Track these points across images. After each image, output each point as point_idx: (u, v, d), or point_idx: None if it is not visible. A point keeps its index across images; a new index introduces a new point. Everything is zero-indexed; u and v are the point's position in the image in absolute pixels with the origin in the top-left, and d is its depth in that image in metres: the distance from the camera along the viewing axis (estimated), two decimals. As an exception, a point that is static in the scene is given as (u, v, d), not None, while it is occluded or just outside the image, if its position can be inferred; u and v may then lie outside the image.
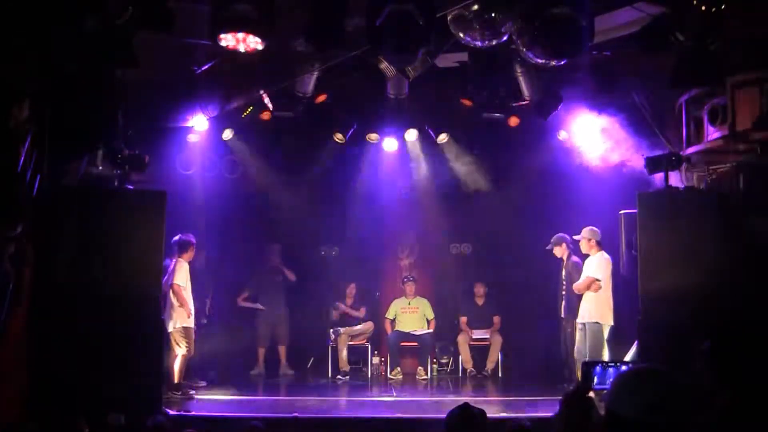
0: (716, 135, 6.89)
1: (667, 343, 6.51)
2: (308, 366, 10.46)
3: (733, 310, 6.40)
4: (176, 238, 8.09)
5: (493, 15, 5.89)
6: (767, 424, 2.70)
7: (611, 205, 8.27)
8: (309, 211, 10.24)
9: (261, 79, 8.10)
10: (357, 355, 10.43)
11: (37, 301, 6.21)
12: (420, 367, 10.28)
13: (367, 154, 10.30)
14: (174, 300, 7.96)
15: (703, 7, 5.63)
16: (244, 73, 7.66)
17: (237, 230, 10.05)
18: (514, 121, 9.24)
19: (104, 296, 6.52)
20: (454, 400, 7.93)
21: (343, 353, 10.08)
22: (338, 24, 5.70)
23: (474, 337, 10.44)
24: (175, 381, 7.95)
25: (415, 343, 10.38)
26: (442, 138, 9.95)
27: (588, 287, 8.18)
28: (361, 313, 10.49)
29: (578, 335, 8.26)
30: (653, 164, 7.57)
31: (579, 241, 8.51)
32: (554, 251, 8.92)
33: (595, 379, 2.61)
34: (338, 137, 9.80)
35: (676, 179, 7.61)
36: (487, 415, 3.82)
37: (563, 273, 8.85)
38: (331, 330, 10.20)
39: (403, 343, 10.39)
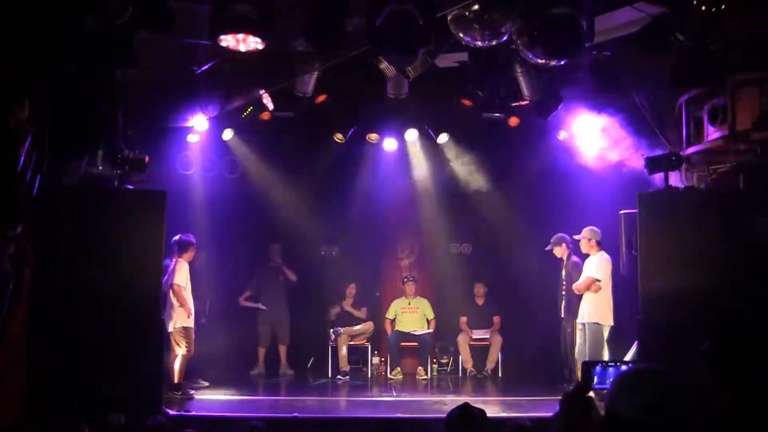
0: (716, 135, 6.88)
1: (667, 343, 6.51)
2: (308, 366, 10.47)
3: (733, 310, 6.40)
4: (176, 238, 8.10)
5: (493, 15, 5.89)
6: (767, 424, 2.70)
7: (611, 205, 8.27)
8: (309, 211, 10.24)
9: (261, 79, 8.09)
10: (357, 355, 10.44)
11: (37, 301, 6.21)
12: (420, 367, 10.28)
13: (367, 154, 10.30)
14: (174, 300, 7.96)
15: (703, 7, 5.63)
16: (244, 73, 7.66)
17: (237, 230, 10.05)
18: (514, 121, 9.24)
19: (104, 296, 6.52)
20: (454, 400, 7.94)
21: (343, 353, 10.08)
22: (338, 24, 5.69)
23: (474, 337, 10.44)
24: (175, 381, 7.95)
25: (415, 343, 10.38)
26: (442, 138, 9.96)
27: (588, 288, 8.18)
28: (363, 313, 10.49)
29: (578, 335, 8.26)
30: (653, 164, 7.57)
31: (579, 241, 8.52)
32: (554, 251, 8.92)
33: (595, 379, 2.61)
34: (338, 137, 9.80)
35: (676, 179, 7.61)
36: (487, 415, 3.82)
37: (563, 273, 8.85)
38: (331, 330, 10.20)
39: (403, 343, 10.39)
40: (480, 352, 10.43)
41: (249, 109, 8.73)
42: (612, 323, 8.08)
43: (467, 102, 8.70)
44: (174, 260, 8.05)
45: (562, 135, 9.13)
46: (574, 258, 8.71)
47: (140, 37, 5.55)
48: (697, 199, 7.29)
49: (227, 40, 5.66)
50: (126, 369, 6.44)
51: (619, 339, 7.96)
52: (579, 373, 5.12)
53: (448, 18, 6.01)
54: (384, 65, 7.51)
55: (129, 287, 6.65)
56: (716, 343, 2.99)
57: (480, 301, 10.65)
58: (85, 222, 6.66)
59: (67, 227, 6.59)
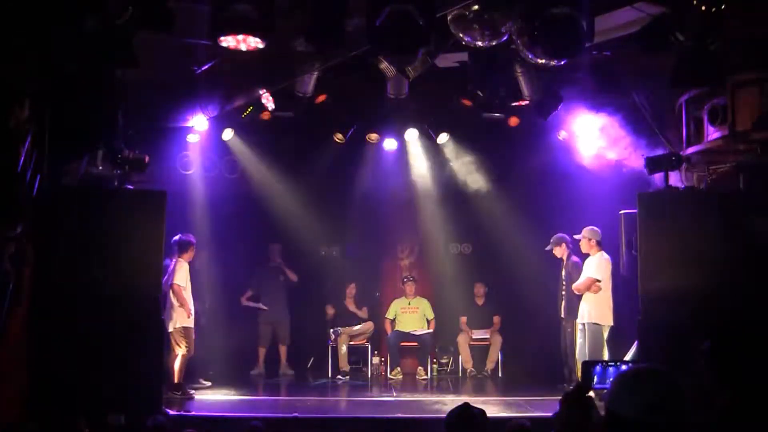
0: (716, 135, 6.88)
1: (667, 343, 6.51)
2: (308, 366, 10.47)
3: (733, 310, 6.41)
4: (176, 238, 8.10)
5: (493, 15, 5.89)
6: (767, 424, 2.70)
7: (611, 205, 8.28)
8: (309, 211, 10.23)
9: (261, 79, 8.10)
10: (357, 355, 10.44)
11: (37, 301, 6.21)
12: (420, 367, 10.28)
13: (367, 154, 10.30)
14: (174, 300, 7.96)
15: (703, 7, 5.63)
16: (244, 73, 7.66)
17: (237, 230, 10.04)
18: (514, 121, 9.25)
19: (104, 296, 6.53)
20: (454, 400, 7.94)
21: (343, 353, 10.08)
22: (338, 24, 5.69)
23: (474, 337, 10.44)
24: (175, 381, 7.95)
25: (415, 343, 10.38)
26: (442, 138, 9.96)
27: (588, 288, 8.18)
28: (364, 312, 10.50)
29: (578, 335, 8.26)
30: (653, 164, 7.57)
31: (579, 240, 8.51)
32: (554, 251, 8.92)
33: (595, 379, 2.61)
34: (338, 137, 9.81)
35: (676, 179, 7.61)
36: (487, 415, 3.82)
37: (563, 273, 8.85)
38: (331, 330, 10.20)
39: (403, 343, 10.39)
40: (480, 352, 10.43)
41: (249, 109, 8.73)
42: (612, 323, 8.08)
43: (467, 102, 8.70)
44: (174, 260, 8.05)
45: (562, 135, 9.14)
46: (574, 258, 8.71)
47: (140, 37, 5.55)
48: (697, 199, 7.29)
49: (227, 41, 5.66)
50: (126, 369, 6.44)
51: (619, 339, 7.96)
52: (579, 373, 5.12)
53: (448, 18, 6.01)
54: (384, 65, 7.51)
55: (129, 287, 6.65)
56: (716, 343, 2.99)
57: (480, 301, 10.65)
58: (85, 222, 6.66)
59: (67, 227, 6.59)
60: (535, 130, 9.15)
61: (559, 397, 2.53)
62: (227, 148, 9.64)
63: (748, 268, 6.64)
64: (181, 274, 8.04)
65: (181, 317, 8.01)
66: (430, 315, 10.57)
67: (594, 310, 8.11)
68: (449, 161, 10.33)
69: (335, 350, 10.11)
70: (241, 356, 9.88)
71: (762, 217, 6.61)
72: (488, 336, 10.39)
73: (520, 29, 5.86)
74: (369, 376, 10.23)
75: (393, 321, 10.60)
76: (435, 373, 10.39)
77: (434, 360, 10.49)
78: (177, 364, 7.98)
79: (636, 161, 7.95)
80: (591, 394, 2.51)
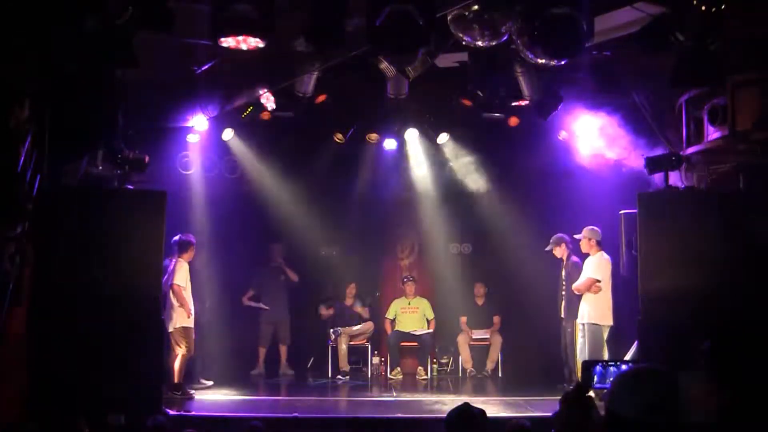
0: (716, 135, 6.88)
1: (667, 343, 6.51)
2: (308, 366, 10.47)
3: (733, 310, 6.41)
4: (176, 238, 8.10)
5: (493, 15, 5.89)
6: (767, 424, 2.70)
7: (611, 205, 8.27)
8: (309, 211, 10.23)
9: (261, 79, 8.10)
10: (357, 355, 10.44)
11: (37, 301, 6.21)
12: (420, 367, 10.28)
13: (367, 154, 10.30)
14: (174, 300, 7.96)
15: (703, 7, 5.63)
16: (244, 73, 7.66)
17: (237, 230, 10.04)
18: (514, 121, 9.24)
19: (104, 296, 6.53)
20: (454, 400, 7.94)
21: (343, 353, 10.08)
22: (338, 24, 5.69)
23: (474, 337, 10.44)
24: (175, 381, 7.95)
25: (415, 343, 10.38)
26: (442, 138, 9.96)
27: (588, 288, 8.18)
28: (366, 312, 10.50)
29: (578, 335, 8.26)
30: (653, 164, 7.57)
31: (579, 240, 8.51)
32: (554, 251, 8.92)
33: (595, 379, 2.61)
34: (338, 137, 9.81)
35: (676, 179, 7.61)
36: (487, 415, 3.82)
37: (563, 273, 8.85)
38: (331, 330, 10.20)
39: (403, 343, 10.39)
40: (480, 352, 10.44)
41: (249, 109, 8.73)
42: (611, 323, 8.07)
43: (467, 102, 8.70)
44: (174, 260, 8.05)
45: (562, 135, 9.13)
46: (574, 258, 8.71)
47: (140, 37, 5.55)
48: (697, 199, 7.29)
49: (227, 41, 5.67)
50: (126, 369, 6.45)
51: (619, 339, 7.96)
52: (579, 373, 5.12)
53: (448, 18, 6.01)
54: (384, 65, 7.51)
55: (129, 287, 6.66)
56: (716, 343, 2.99)
57: (480, 301, 10.65)
58: (85, 222, 6.66)
59: (67, 227, 6.60)
60: (535, 130, 9.14)
61: (559, 397, 2.53)
62: (227, 148, 9.64)
63: (748, 268, 6.65)
64: (181, 274, 8.04)
65: (181, 317, 8.01)
66: (430, 315, 10.57)
67: (594, 311, 8.11)
68: (449, 161, 10.33)
69: (335, 350, 10.11)
70: (241, 356, 9.88)
71: (762, 217, 6.61)
72: (488, 336, 10.39)
73: (520, 29, 5.86)
74: (369, 376, 10.23)
75: (393, 321, 10.60)
76: (435, 373, 10.39)
77: (434, 360, 10.49)
78: (177, 364, 7.98)
79: (636, 161, 7.95)
80: (591, 394, 2.51)
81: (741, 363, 2.87)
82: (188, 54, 7.14)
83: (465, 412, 3.66)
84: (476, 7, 5.88)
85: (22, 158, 5.51)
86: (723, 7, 5.61)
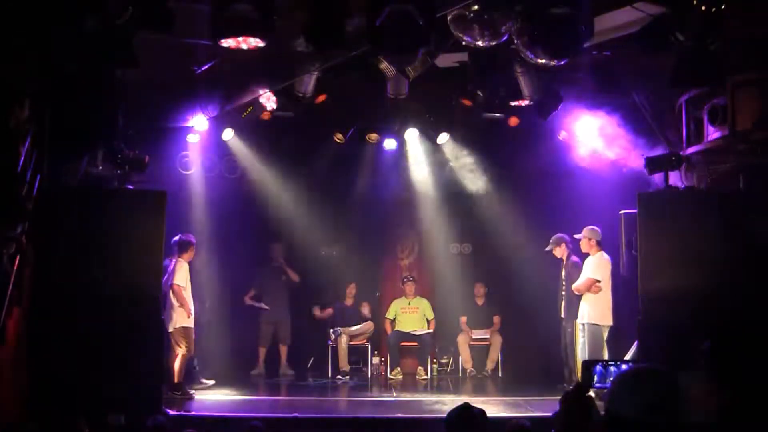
0: (716, 135, 6.88)
1: (667, 343, 6.51)
2: (308, 366, 10.47)
3: (733, 310, 6.41)
4: (176, 238, 8.10)
5: (493, 15, 5.89)
6: (767, 424, 2.70)
7: (611, 205, 8.28)
8: (309, 211, 10.24)
9: (261, 79, 8.10)
10: (357, 355, 10.44)
11: (37, 301, 6.21)
12: (420, 367, 10.28)
13: (367, 154, 10.30)
14: (174, 300, 7.96)
15: (703, 7, 5.63)
16: (244, 73, 7.66)
17: (237, 230, 10.05)
18: (514, 121, 9.24)
19: (104, 296, 6.53)
20: (454, 400, 7.94)
21: (343, 353, 10.08)
22: (338, 24, 5.69)
23: (474, 337, 10.44)
24: (175, 381, 7.95)
25: (415, 343, 10.38)
26: (442, 138, 9.96)
27: (588, 288, 8.17)
28: (368, 311, 10.50)
29: (578, 335, 8.26)
30: (653, 164, 7.57)
31: (579, 240, 8.51)
32: (554, 251, 8.91)
33: (595, 379, 2.61)
34: (338, 137, 9.81)
35: (676, 179, 7.61)
36: (487, 415, 3.82)
37: (563, 273, 8.84)
38: (331, 330, 10.20)
39: (403, 343, 10.39)
40: (480, 352, 10.44)
41: (249, 109, 8.73)
42: (611, 323, 8.07)
43: (467, 102, 8.70)
44: (174, 260, 8.05)
45: (562, 135, 9.13)
46: (574, 258, 8.71)
47: (140, 37, 5.55)
48: (697, 199, 7.29)
49: (228, 42, 5.67)
50: (126, 369, 6.45)
51: (619, 339, 7.96)
52: (579, 373, 5.12)
53: (448, 18, 6.01)
54: (384, 65, 7.51)
55: (129, 287, 6.66)
56: (716, 343, 2.99)
57: (480, 301, 10.65)
58: (85, 222, 6.66)
59: (67, 227, 6.60)
60: (535, 130, 9.14)
61: (559, 397, 2.53)
62: (227, 148, 9.64)
63: (748, 268, 6.65)
64: (181, 274, 8.04)
65: (181, 317, 8.02)
66: (430, 315, 10.57)
67: (593, 311, 8.10)
68: (449, 161, 10.33)
69: (335, 350, 10.11)
70: (241, 356, 9.89)
71: (762, 217, 6.61)
72: (488, 336, 10.39)
73: (520, 29, 5.86)
74: (369, 376, 10.23)
75: (393, 321, 10.60)
76: (435, 373, 10.39)
77: (434, 360, 10.49)
78: (177, 364, 7.98)
79: (636, 161, 7.95)
80: (591, 394, 2.51)
81: (741, 363, 2.87)
82: (188, 54, 7.14)
83: (465, 412, 3.67)
84: (476, 7, 5.88)
85: (22, 158, 5.51)
86: (723, 7, 5.61)
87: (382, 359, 10.44)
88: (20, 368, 6.05)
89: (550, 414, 5.16)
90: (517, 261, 10.02)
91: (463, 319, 10.54)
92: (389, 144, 10.16)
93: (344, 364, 10.06)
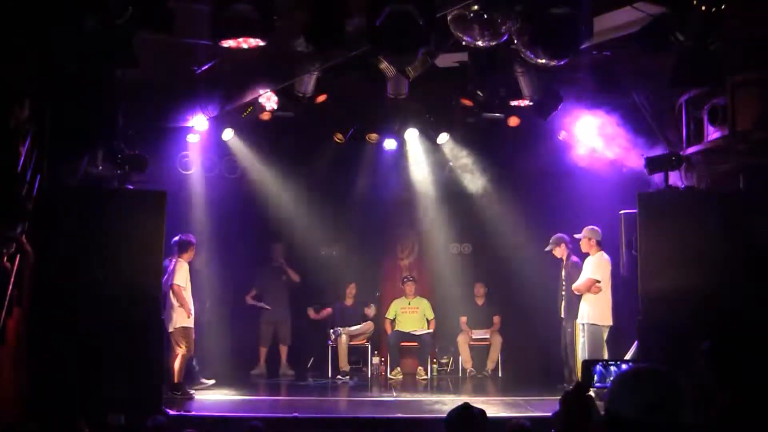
0: (716, 135, 6.89)
1: (667, 343, 6.51)
2: (308, 366, 10.47)
3: (733, 310, 6.41)
4: (176, 238, 8.10)
5: (493, 15, 5.89)
6: (767, 424, 2.70)
7: (611, 205, 8.28)
8: (309, 211, 10.24)
9: (261, 79, 8.10)
10: (357, 355, 10.44)
11: (37, 301, 6.21)
12: (420, 367, 10.28)
13: (367, 154, 10.30)
14: (174, 300, 7.96)
15: (703, 7, 5.63)
16: (244, 73, 7.66)
17: (237, 230, 10.05)
18: (514, 121, 9.25)
19: (104, 296, 6.53)
20: (454, 400, 7.94)
21: (343, 353, 10.08)
22: (338, 24, 5.69)
23: (474, 337, 10.44)
24: (175, 381, 7.95)
25: (415, 343, 10.38)
26: (442, 138, 9.96)
27: (588, 289, 8.17)
28: (372, 310, 10.49)
29: (578, 335, 8.26)
30: (653, 164, 7.57)
31: (579, 240, 8.51)
32: (554, 251, 8.91)
33: (595, 379, 2.61)
34: (338, 137, 9.81)
35: (676, 179, 7.61)
36: (487, 415, 3.82)
37: (563, 273, 8.84)
38: (331, 330, 10.20)
39: (403, 343, 10.39)
40: (480, 352, 10.43)
41: (249, 109, 8.74)
42: (611, 323, 8.07)
43: (467, 102, 8.70)
44: (174, 260, 8.05)
45: (562, 135, 9.13)
46: (574, 258, 8.71)
47: (140, 37, 5.55)
48: (697, 199, 7.29)
49: (228, 42, 5.67)
50: (126, 369, 6.45)
51: (619, 339, 7.96)
52: (579, 373, 5.12)
53: (448, 18, 6.01)
54: (384, 65, 7.51)
55: (129, 287, 6.66)
56: (716, 343, 2.99)
57: (480, 301, 10.65)
58: (85, 222, 6.66)
59: (67, 227, 6.60)
60: (535, 130, 9.14)
61: (559, 397, 2.53)
62: (227, 148, 9.64)
63: (748, 268, 6.65)
64: (181, 274, 8.04)
65: (181, 317, 8.01)
66: (430, 315, 10.57)
67: (593, 311, 8.10)
68: (449, 161, 10.33)
69: (335, 350, 10.11)
70: (241, 356, 9.89)
71: (762, 217, 6.61)
72: (488, 336, 10.39)
73: (520, 29, 5.86)
74: (369, 376, 10.22)
75: (393, 321, 10.60)
76: (435, 373, 10.39)
77: (434, 360, 10.48)
78: (177, 364, 7.98)
79: (636, 161, 7.95)
80: (591, 393, 2.51)
81: (741, 363, 2.87)
82: (188, 54, 7.14)
83: (465, 412, 3.67)
84: (476, 7, 5.89)
85: (22, 158, 5.52)
86: (723, 7, 5.61)
87: (382, 359, 10.44)
88: (20, 368, 6.05)
89: (550, 414, 5.16)
90: (517, 261, 10.02)
91: (463, 319, 10.54)
92: (389, 144, 10.17)
93: (344, 364, 10.06)
